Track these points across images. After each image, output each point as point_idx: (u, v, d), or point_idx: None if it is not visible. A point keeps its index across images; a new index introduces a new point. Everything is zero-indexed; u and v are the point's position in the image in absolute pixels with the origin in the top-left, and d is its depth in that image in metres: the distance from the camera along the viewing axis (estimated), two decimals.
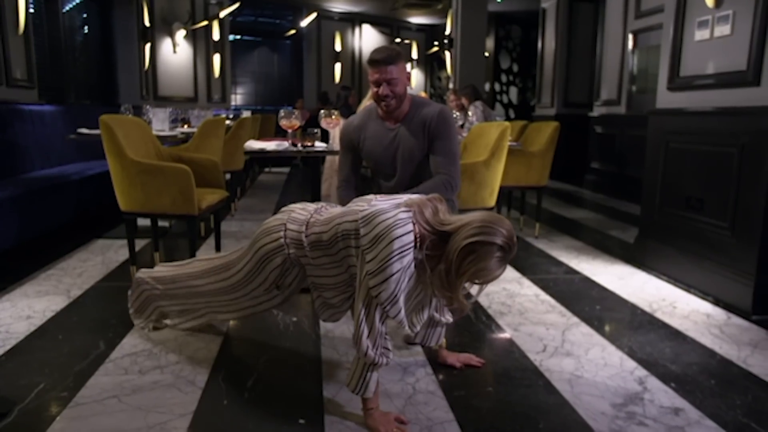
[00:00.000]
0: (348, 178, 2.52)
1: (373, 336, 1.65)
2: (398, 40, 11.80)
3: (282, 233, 1.89)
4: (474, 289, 1.75)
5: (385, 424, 1.68)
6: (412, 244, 1.60)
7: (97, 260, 3.47)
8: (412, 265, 1.63)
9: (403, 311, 1.67)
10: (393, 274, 1.58)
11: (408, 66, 2.35)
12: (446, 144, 2.34)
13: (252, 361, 2.15)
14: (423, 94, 2.30)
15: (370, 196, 1.85)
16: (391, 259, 1.57)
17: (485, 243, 1.55)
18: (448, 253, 1.59)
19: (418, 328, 1.82)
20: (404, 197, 1.77)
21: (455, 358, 2.14)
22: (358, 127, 2.47)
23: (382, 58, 2.28)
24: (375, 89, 2.32)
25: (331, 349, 2.27)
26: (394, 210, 1.64)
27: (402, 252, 1.58)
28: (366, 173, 2.73)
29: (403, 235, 1.58)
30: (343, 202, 2.20)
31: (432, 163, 2.35)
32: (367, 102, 5.18)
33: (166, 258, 2.68)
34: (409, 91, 2.39)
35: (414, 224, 1.62)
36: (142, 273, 2.40)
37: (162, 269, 2.38)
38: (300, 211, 1.93)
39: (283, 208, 2.00)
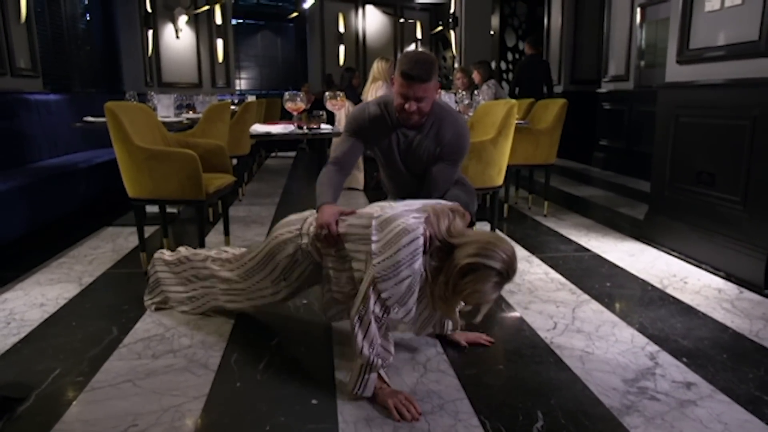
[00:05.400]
0: (341, 160, 2.23)
1: (369, 337, 1.70)
2: (402, 20, 11.65)
3: (299, 225, 2.00)
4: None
5: (394, 398, 1.70)
6: (421, 249, 1.67)
7: (107, 247, 3.49)
8: (422, 267, 1.70)
9: (413, 312, 1.73)
10: (404, 279, 1.66)
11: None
12: (453, 169, 2.30)
13: (263, 343, 2.16)
14: None
15: (385, 202, 1.92)
16: (401, 266, 1.65)
17: (484, 266, 1.61)
18: (449, 266, 1.67)
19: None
20: (420, 203, 1.84)
21: (463, 337, 2.15)
22: (371, 120, 2.26)
23: (418, 75, 2.03)
24: (401, 101, 2.11)
25: (341, 331, 2.27)
26: (405, 216, 1.72)
27: (412, 258, 1.65)
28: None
29: (412, 241, 1.65)
30: (326, 180, 2.11)
31: (436, 170, 2.28)
32: (371, 90, 5.13)
33: (176, 244, 2.68)
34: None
35: (424, 229, 1.69)
36: (161, 254, 2.49)
37: (182, 249, 2.47)
38: None
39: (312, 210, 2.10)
